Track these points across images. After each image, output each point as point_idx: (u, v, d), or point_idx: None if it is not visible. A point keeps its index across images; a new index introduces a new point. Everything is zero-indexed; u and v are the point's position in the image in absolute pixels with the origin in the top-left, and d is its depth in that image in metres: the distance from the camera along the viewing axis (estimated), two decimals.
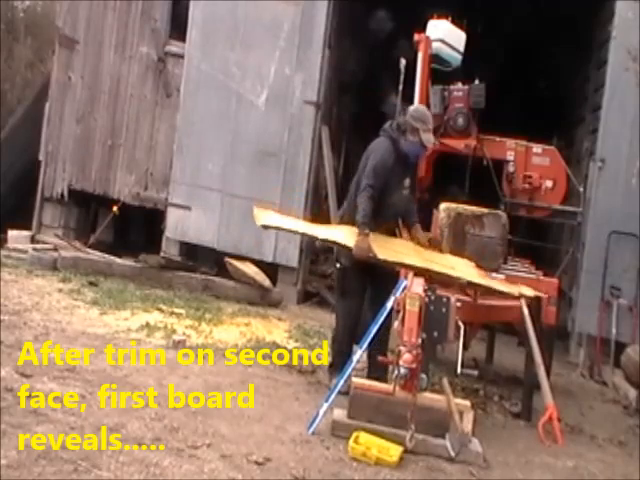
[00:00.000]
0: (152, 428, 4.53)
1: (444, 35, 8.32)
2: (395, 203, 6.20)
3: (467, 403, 5.27)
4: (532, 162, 8.53)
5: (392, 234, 6.27)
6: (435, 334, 5.23)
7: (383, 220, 6.12)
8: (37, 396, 4.67)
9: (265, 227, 6.24)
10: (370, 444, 4.75)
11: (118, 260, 9.52)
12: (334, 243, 6.47)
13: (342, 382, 5.31)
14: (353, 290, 6.21)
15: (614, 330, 8.56)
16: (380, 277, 6.01)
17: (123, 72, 10.83)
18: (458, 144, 8.49)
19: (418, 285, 5.36)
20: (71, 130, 11.00)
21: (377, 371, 5.81)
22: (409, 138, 6.06)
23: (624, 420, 6.92)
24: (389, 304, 5.44)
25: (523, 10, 10.88)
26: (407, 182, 6.20)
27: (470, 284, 6.17)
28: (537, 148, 8.58)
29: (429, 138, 6.10)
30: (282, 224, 6.46)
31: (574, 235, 9.65)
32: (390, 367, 5.12)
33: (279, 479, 4.21)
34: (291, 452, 4.60)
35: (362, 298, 6.22)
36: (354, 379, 5.37)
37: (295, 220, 6.94)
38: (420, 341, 4.91)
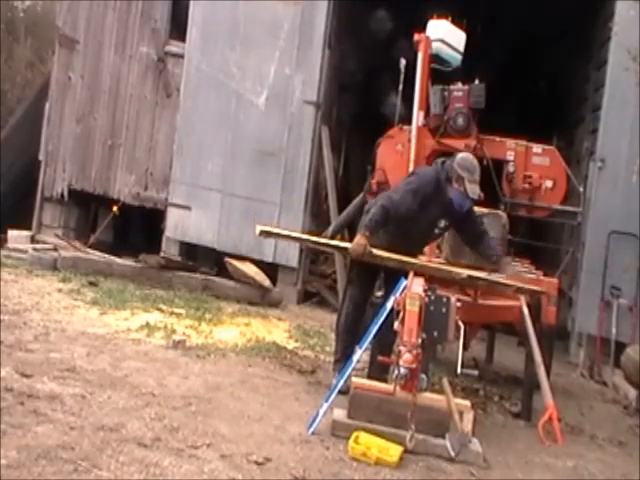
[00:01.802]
0: (152, 428, 4.52)
1: (444, 35, 8.32)
2: (417, 237, 6.14)
3: (467, 403, 5.26)
4: (532, 162, 8.53)
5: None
6: (435, 334, 5.23)
7: (399, 248, 5.97)
8: (37, 396, 4.68)
9: (264, 234, 6.24)
10: (370, 444, 4.74)
11: (118, 260, 9.52)
12: (331, 247, 6.49)
13: (342, 382, 5.31)
14: (360, 281, 6.20)
15: (614, 330, 8.56)
16: (392, 269, 5.92)
17: (123, 72, 10.83)
18: (458, 144, 8.48)
19: (418, 285, 5.36)
20: (71, 130, 11.00)
21: (377, 370, 5.81)
22: (454, 185, 5.97)
23: (624, 420, 6.93)
24: (389, 304, 5.44)
25: (523, 10, 10.88)
26: (442, 223, 6.10)
27: (471, 278, 6.16)
28: (537, 148, 8.57)
29: (475, 190, 5.95)
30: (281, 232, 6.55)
31: (574, 235, 9.65)
32: (390, 367, 5.12)
33: (279, 479, 4.21)
34: (291, 452, 4.60)
35: (369, 290, 6.22)
36: (354, 379, 5.37)
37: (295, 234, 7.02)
38: (420, 341, 4.91)
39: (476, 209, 7.14)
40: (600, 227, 8.81)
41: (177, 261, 9.81)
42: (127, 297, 8.13)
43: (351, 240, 6.15)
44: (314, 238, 6.98)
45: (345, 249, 6.18)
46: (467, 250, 6.86)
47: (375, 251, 5.82)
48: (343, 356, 5.98)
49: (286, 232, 6.80)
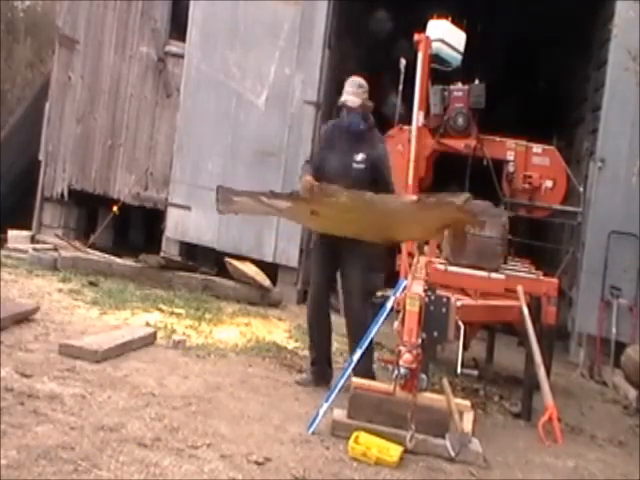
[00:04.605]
0: (152, 428, 4.52)
1: (444, 35, 8.33)
2: (343, 176, 5.98)
3: (467, 403, 5.27)
4: (532, 162, 8.55)
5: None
6: (435, 334, 5.23)
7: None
8: (37, 396, 4.68)
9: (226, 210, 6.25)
10: (370, 444, 4.74)
11: (118, 260, 9.52)
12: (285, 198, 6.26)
13: (342, 382, 5.30)
14: (315, 275, 6.24)
15: (614, 330, 8.56)
16: (348, 257, 6.03)
17: (123, 72, 10.83)
18: (458, 144, 8.51)
19: (418, 285, 5.36)
20: (71, 130, 11.00)
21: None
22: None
23: (624, 420, 6.93)
24: (389, 304, 5.45)
25: (523, 10, 10.88)
26: (360, 157, 6.04)
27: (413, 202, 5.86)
28: (537, 148, 8.59)
29: (347, 98, 5.98)
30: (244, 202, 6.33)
31: (574, 235, 9.65)
32: (390, 367, 5.12)
33: (279, 479, 4.21)
34: (291, 452, 4.60)
35: (323, 284, 6.21)
36: (354, 379, 5.37)
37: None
38: (420, 341, 4.91)
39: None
40: (600, 227, 8.80)
41: (177, 261, 9.81)
42: (127, 297, 8.13)
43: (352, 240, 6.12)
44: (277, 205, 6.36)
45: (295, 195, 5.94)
46: (468, 250, 6.87)
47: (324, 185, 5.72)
48: (311, 351, 6.15)
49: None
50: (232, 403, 5.29)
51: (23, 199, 11.27)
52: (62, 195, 11.05)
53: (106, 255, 9.63)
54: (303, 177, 5.90)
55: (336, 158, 6.08)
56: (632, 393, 7.35)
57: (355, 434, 4.81)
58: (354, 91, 6.03)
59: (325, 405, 5.11)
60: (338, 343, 7.76)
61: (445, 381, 5.30)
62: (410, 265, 7.13)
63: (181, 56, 10.46)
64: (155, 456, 4.12)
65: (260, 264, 9.56)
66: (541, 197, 8.57)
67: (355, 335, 5.88)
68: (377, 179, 6.00)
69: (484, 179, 8.53)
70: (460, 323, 5.37)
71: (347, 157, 6.05)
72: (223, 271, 9.50)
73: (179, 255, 10.22)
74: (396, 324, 5.04)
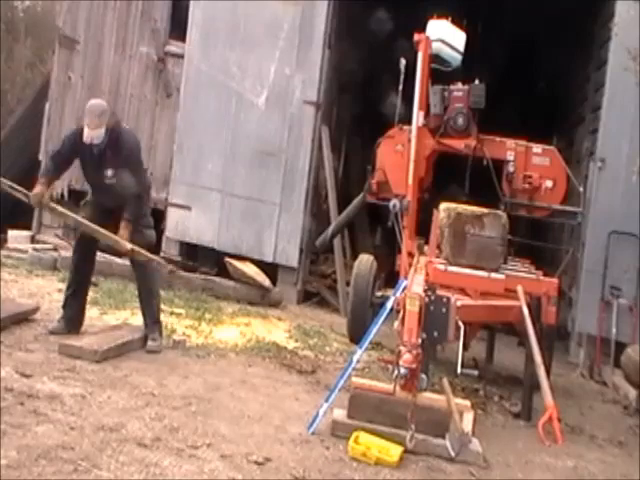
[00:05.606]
0: (152, 428, 4.53)
1: (444, 35, 8.32)
2: (99, 192, 6.44)
3: (467, 403, 5.27)
4: (532, 162, 8.53)
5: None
6: (435, 334, 5.23)
7: (102, 206, 6.42)
8: (37, 396, 4.68)
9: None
10: (370, 444, 4.75)
11: (118, 260, 9.49)
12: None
13: (342, 382, 5.30)
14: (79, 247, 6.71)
15: (614, 330, 8.56)
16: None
17: (123, 72, 10.82)
18: (458, 144, 8.50)
19: (418, 285, 5.37)
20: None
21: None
22: None
23: (624, 420, 6.93)
24: (389, 304, 5.45)
25: (523, 10, 10.88)
26: (110, 172, 6.23)
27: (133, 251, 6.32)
28: (537, 148, 8.57)
29: (88, 135, 6.07)
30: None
31: (574, 235, 9.65)
32: (390, 367, 5.12)
33: (279, 479, 4.21)
34: (291, 452, 4.60)
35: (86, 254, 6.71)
36: (354, 379, 5.38)
37: None
38: (420, 341, 4.91)
39: (476, 209, 7.16)
40: (600, 227, 8.81)
41: (177, 261, 9.80)
42: (127, 297, 8.13)
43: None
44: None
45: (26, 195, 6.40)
46: (467, 250, 6.88)
47: (53, 205, 6.50)
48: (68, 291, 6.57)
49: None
50: (232, 403, 5.29)
51: None
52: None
53: (106, 255, 9.61)
54: (38, 185, 6.23)
55: (90, 171, 6.41)
56: (632, 393, 7.35)
57: (355, 434, 4.81)
58: (96, 123, 6.07)
59: (325, 405, 5.12)
60: (338, 343, 7.80)
61: (445, 381, 5.30)
62: (410, 265, 7.15)
63: (181, 56, 10.45)
64: (155, 456, 4.12)
65: (260, 264, 9.56)
66: (541, 197, 8.56)
67: (139, 288, 6.55)
68: (129, 184, 6.24)
69: (484, 179, 8.53)
70: (460, 323, 5.37)
71: (98, 173, 6.31)
72: (223, 271, 9.50)
73: (179, 255, 10.22)
74: (396, 324, 5.05)
